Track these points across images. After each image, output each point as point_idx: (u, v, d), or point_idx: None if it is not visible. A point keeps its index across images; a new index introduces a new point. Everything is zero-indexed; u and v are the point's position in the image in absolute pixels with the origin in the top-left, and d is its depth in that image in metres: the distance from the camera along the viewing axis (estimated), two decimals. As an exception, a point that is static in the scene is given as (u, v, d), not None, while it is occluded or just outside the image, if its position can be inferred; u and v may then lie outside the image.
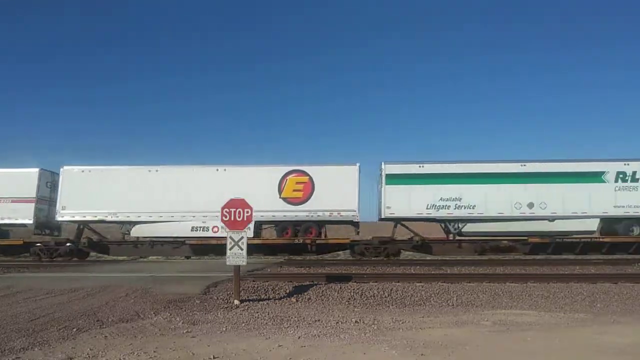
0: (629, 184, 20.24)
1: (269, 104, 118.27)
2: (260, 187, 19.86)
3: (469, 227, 20.62)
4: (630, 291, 10.62)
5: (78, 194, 20.82)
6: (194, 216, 20.40)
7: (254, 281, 11.50)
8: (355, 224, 21.00)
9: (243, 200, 9.89)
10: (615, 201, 20.10)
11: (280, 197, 20.46)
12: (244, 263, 9.60)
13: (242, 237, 9.52)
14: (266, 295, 10.39)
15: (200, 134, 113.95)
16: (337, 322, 7.68)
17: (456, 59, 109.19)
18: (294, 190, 20.54)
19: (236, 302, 9.37)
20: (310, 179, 20.53)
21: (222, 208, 9.67)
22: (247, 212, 9.64)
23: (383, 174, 20.52)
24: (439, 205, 20.12)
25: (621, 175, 20.35)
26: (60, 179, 21.26)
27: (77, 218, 21.05)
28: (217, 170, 21.03)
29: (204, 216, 20.07)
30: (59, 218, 21.15)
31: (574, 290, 10.66)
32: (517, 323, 7.71)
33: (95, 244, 21.87)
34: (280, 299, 10.13)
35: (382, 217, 20.54)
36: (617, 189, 20.21)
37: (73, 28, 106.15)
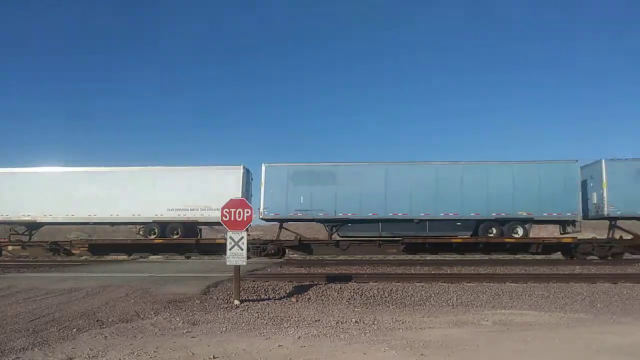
0: None
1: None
2: None
3: None
4: (630, 291, 10.64)
5: None
6: None
7: (254, 281, 11.51)
8: None
9: (243, 200, 9.89)
10: None
11: None
12: (244, 263, 9.59)
13: (242, 237, 9.51)
14: (266, 295, 10.39)
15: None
16: (337, 322, 7.68)
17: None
18: None
19: (236, 302, 9.37)
20: None
21: (222, 208, 9.67)
22: (247, 212, 9.63)
23: None
24: None
25: None
26: None
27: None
28: None
29: None
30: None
31: (574, 290, 10.66)
32: (517, 323, 7.71)
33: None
34: (280, 299, 10.13)
35: None
36: None
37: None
